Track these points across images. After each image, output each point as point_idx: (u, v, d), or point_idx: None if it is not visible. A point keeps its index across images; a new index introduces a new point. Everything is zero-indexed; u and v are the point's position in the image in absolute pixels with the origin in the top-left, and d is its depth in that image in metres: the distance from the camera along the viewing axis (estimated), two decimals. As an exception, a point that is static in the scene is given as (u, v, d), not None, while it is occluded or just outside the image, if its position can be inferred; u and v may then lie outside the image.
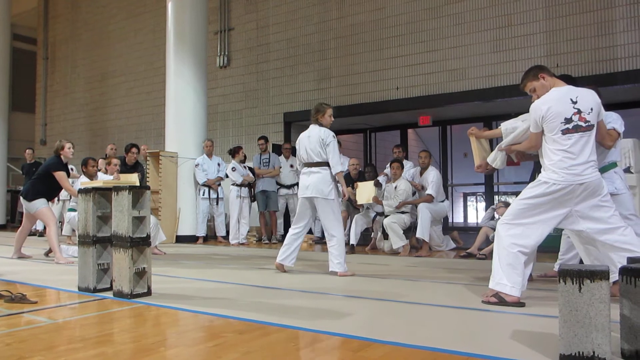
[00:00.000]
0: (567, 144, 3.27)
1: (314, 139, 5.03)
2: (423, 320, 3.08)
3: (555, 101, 3.34)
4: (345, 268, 4.93)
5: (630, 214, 3.91)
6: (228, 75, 11.86)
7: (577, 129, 3.28)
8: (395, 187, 7.23)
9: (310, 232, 9.48)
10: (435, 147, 11.46)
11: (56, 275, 4.99)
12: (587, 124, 3.29)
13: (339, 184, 5.05)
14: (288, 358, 2.35)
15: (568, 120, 3.29)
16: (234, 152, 9.10)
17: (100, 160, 8.67)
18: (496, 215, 6.79)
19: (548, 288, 4.03)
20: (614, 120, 3.82)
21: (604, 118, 3.55)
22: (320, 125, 5.10)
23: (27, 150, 11.06)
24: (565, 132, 3.29)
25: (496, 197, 11.12)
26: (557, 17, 8.11)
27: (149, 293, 3.80)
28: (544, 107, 3.34)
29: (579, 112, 3.29)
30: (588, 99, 3.34)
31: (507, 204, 6.23)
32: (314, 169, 5.02)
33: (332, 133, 5.04)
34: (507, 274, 3.32)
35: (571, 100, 3.32)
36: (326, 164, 4.99)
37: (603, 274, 2.14)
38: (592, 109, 3.31)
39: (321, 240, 9.08)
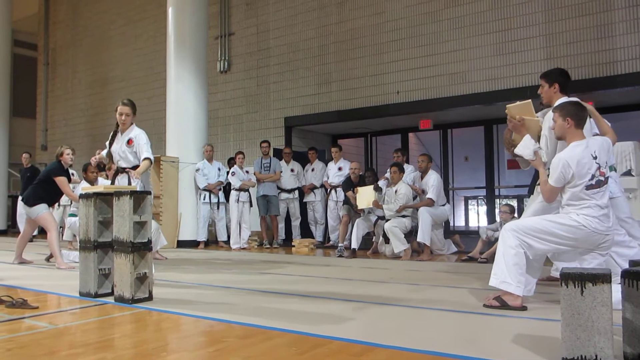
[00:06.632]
0: (594, 198, 3.26)
1: None
2: (425, 324, 3.07)
3: (581, 157, 3.27)
4: None
5: (626, 216, 3.98)
6: (228, 80, 11.87)
7: (600, 184, 3.27)
8: (396, 191, 7.23)
9: (311, 236, 9.48)
10: (436, 150, 11.45)
11: (57, 281, 4.99)
12: (605, 177, 3.30)
13: None
14: (289, 363, 2.35)
15: (592, 177, 3.27)
16: (235, 157, 9.21)
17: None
18: (497, 219, 6.77)
19: (550, 292, 4.03)
20: None
21: (594, 125, 3.66)
22: None
23: (23, 155, 11.02)
24: (589, 187, 3.26)
25: (497, 201, 11.11)
26: (556, 20, 8.12)
27: (150, 298, 3.80)
28: (574, 164, 3.25)
29: (599, 167, 3.29)
30: (604, 150, 3.35)
31: (510, 207, 6.20)
32: None
33: None
34: (511, 272, 3.30)
35: (592, 155, 3.29)
36: None
37: (605, 277, 2.14)
38: (606, 162, 3.34)
39: (322, 245, 9.07)
